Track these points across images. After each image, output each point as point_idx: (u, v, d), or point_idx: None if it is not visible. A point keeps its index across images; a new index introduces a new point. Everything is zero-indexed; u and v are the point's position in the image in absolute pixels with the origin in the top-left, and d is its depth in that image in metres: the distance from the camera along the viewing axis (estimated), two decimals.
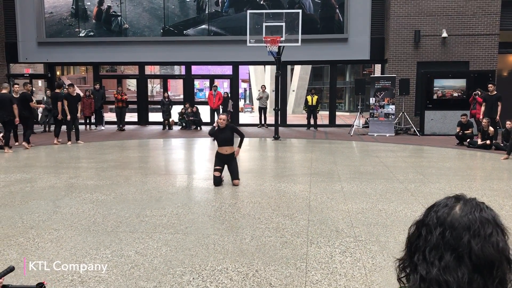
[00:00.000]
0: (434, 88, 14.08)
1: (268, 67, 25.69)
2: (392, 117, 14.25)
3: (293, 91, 26.75)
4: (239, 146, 6.69)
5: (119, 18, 17.12)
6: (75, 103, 11.88)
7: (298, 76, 27.18)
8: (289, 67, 20.71)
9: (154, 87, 34.00)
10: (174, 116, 16.85)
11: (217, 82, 17.91)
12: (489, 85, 11.58)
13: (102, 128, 16.36)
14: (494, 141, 10.74)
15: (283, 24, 12.46)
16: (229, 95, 17.21)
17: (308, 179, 6.93)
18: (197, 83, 26.85)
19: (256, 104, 19.30)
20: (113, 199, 5.66)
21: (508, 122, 10.35)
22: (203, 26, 16.85)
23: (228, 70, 18.94)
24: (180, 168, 8.63)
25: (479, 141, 10.90)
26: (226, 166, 6.58)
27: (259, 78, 27.53)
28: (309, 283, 3.19)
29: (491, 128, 10.71)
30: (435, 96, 14.09)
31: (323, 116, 18.82)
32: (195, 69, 20.25)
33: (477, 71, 14.16)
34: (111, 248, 3.86)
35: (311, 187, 6.31)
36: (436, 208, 0.98)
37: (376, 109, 14.30)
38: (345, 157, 9.37)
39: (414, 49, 14.94)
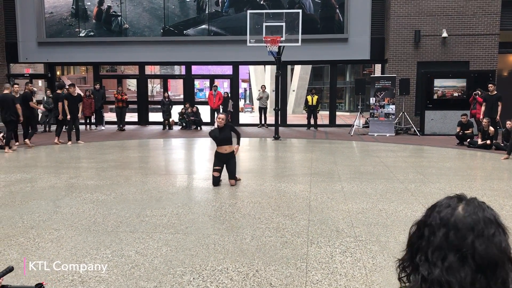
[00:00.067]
0: (434, 88, 14.08)
1: (268, 67, 25.69)
2: (392, 117, 14.25)
3: (293, 91, 26.74)
4: (238, 143, 6.70)
5: (119, 18, 17.12)
6: (76, 103, 11.90)
7: (298, 76, 27.17)
8: (289, 67, 20.71)
9: (154, 87, 34.00)
10: (174, 116, 16.85)
11: (217, 82, 17.91)
12: (489, 85, 11.58)
13: (102, 128, 16.36)
14: (494, 141, 10.74)
15: (283, 24, 12.46)
16: (229, 95, 17.21)
17: (308, 179, 6.93)
18: (197, 83, 26.85)
19: (256, 104, 19.31)
20: (113, 199, 5.66)
21: (508, 122, 10.35)
22: (203, 26, 16.85)
23: (228, 70, 18.94)
24: (180, 168, 8.63)
25: (479, 141, 10.90)
26: (224, 166, 6.58)
27: (259, 78, 27.53)
28: (310, 283, 3.19)
29: (491, 128, 10.71)
30: (435, 96, 14.08)
31: (323, 116, 18.82)
32: (195, 69, 20.25)
33: (477, 71, 14.15)
34: (112, 248, 3.86)
35: (312, 187, 6.31)
36: (438, 209, 0.98)
37: (376, 109, 14.30)
38: (345, 157, 9.37)
39: (414, 49, 14.94)
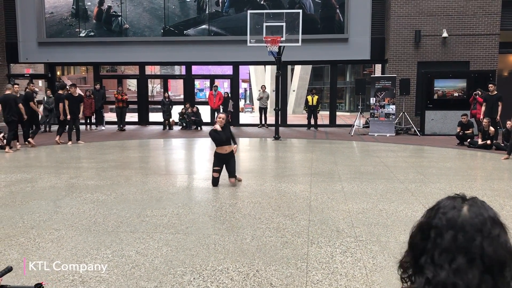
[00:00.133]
0: (435, 88, 14.08)
1: (268, 67, 25.69)
2: (393, 117, 14.24)
3: (294, 91, 26.74)
4: (235, 143, 6.68)
5: (119, 18, 17.12)
6: (77, 104, 11.91)
7: (299, 76, 27.16)
8: (289, 67, 20.71)
9: (154, 87, 34.01)
10: (175, 116, 16.85)
11: (217, 82, 17.92)
12: (490, 85, 11.58)
13: (103, 128, 16.36)
14: (494, 141, 10.74)
15: (284, 24, 12.47)
16: (229, 95, 17.21)
17: (308, 179, 6.93)
18: (198, 83, 26.87)
19: (257, 104, 19.32)
20: (113, 199, 5.66)
21: (508, 122, 10.35)
22: (204, 26, 16.85)
23: (228, 70, 18.95)
24: (180, 168, 8.63)
25: (480, 141, 10.90)
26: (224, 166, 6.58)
27: (259, 78, 27.53)
28: (310, 283, 3.19)
29: (491, 128, 10.71)
30: (435, 96, 14.08)
31: (323, 116, 18.82)
32: (196, 69, 20.26)
33: (478, 71, 14.15)
34: (112, 248, 3.86)
35: (312, 187, 6.31)
36: (443, 210, 0.97)
37: (377, 109, 14.30)
38: (345, 157, 9.37)
39: (414, 49, 14.94)
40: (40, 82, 19.78)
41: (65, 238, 4.16)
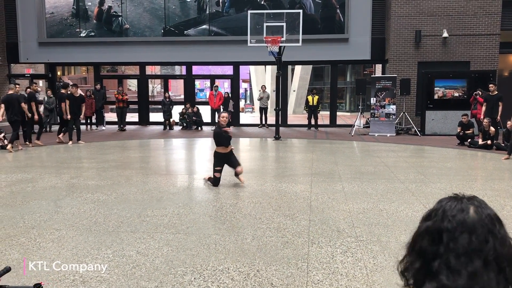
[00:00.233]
0: (435, 88, 14.07)
1: (268, 67, 25.68)
2: (393, 117, 14.24)
3: (294, 91, 26.73)
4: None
5: (120, 18, 17.13)
6: (78, 104, 11.93)
7: (299, 76, 27.16)
8: (289, 67, 20.71)
9: (154, 87, 34.02)
10: (175, 116, 16.86)
11: (217, 82, 17.91)
12: (490, 85, 11.58)
13: (103, 128, 16.37)
14: (495, 141, 10.73)
15: (284, 24, 12.47)
16: (230, 95, 17.21)
17: (309, 179, 6.93)
18: (198, 83, 26.86)
19: (257, 104, 19.32)
20: (114, 199, 5.67)
21: (509, 122, 10.34)
22: (204, 26, 16.86)
23: (228, 70, 18.95)
24: (181, 168, 8.64)
25: (480, 141, 10.90)
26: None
27: (260, 78, 27.52)
28: (311, 283, 3.19)
29: (492, 128, 10.70)
30: (436, 96, 14.08)
31: (324, 116, 18.82)
32: (196, 69, 20.26)
33: (478, 71, 14.15)
34: (113, 248, 3.87)
35: (312, 187, 6.31)
36: (451, 212, 0.95)
37: (377, 109, 14.30)
38: (346, 157, 9.37)
39: (415, 49, 14.94)
40: (41, 82, 19.78)
41: (65, 238, 4.16)
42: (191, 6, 16.92)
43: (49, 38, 17.36)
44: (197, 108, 16.61)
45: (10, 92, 10.53)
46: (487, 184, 6.69)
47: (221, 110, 16.07)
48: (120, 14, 17.09)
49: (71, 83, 12.61)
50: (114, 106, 17.64)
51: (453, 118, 13.36)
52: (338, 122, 17.55)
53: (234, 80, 18.03)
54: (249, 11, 13.27)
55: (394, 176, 7.19)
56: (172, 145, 12.17)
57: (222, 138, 6.40)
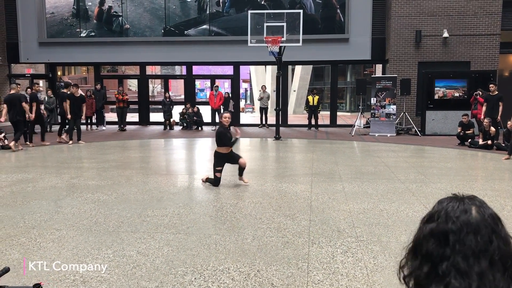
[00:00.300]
0: (435, 88, 14.07)
1: (268, 67, 25.67)
2: (393, 117, 14.24)
3: (294, 91, 26.73)
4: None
5: (120, 18, 17.13)
6: (78, 104, 11.93)
7: (299, 76, 27.15)
8: (290, 67, 20.71)
9: (155, 87, 34.02)
10: (175, 116, 16.86)
11: (218, 82, 17.92)
12: (491, 85, 11.58)
13: (103, 128, 16.38)
14: (495, 141, 10.73)
15: (284, 24, 12.47)
16: (230, 95, 17.21)
17: (309, 179, 6.93)
18: (198, 83, 26.87)
19: (257, 104, 19.32)
20: (114, 199, 5.67)
21: (509, 122, 10.33)
22: (204, 26, 16.86)
23: (229, 70, 18.95)
24: (181, 168, 8.64)
25: (481, 141, 10.89)
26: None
27: (260, 78, 27.52)
28: (311, 283, 3.19)
29: (492, 128, 10.70)
30: (436, 96, 14.08)
31: (324, 116, 18.81)
32: (196, 69, 20.26)
33: (478, 71, 14.15)
34: (113, 248, 3.87)
35: (313, 187, 6.31)
36: (454, 214, 0.95)
37: (377, 109, 14.30)
38: (346, 157, 9.37)
39: (415, 49, 14.93)
40: (41, 82, 19.78)
41: (66, 238, 4.16)
42: (192, 6, 16.92)
43: (49, 38, 17.37)
44: (198, 108, 16.62)
45: (12, 91, 10.59)
46: (488, 184, 6.69)
47: (222, 110, 16.08)
48: (121, 14, 17.10)
49: (72, 83, 12.64)
50: (114, 106, 17.65)
51: (454, 118, 13.36)
52: (339, 122, 17.55)
53: (235, 80, 18.03)
54: (250, 11, 13.27)
55: (395, 176, 7.19)
56: (172, 145, 12.17)
57: (225, 139, 6.40)
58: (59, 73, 21.96)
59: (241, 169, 6.48)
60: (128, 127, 16.36)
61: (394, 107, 14.21)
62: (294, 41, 12.50)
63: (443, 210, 0.97)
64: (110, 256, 3.68)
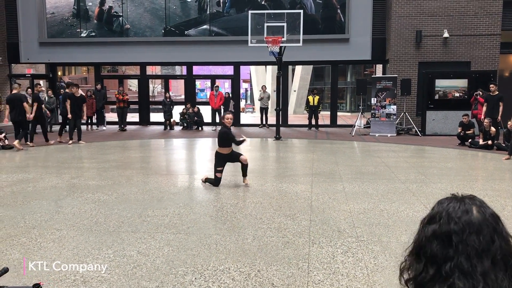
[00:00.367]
0: (436, 88, 14.07)
1: (269, 67, 25.66)
2: (394, 117, 14.24)
3: (294, 91, 26.72)
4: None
5: (120, 18, 17.14)
6: (79, 104, 11.94)
7: (299, 77, 27.14)
8: (290, 67, 20.70)
9: (155, 87, 34.03)
10: (176, 116, 16.86)
11: (218, 82, 17.92)
12: (491, 85, 11.58)
13: (104, 128, 16.38)
14: (495, 142, 10.73)
15: (285, 24, 12.47)
16: (230, 95, 17.21)
17: (309, 179, 6.93)
18: (198, 83, 26.87)
19: (258, 104, 19.33)
20: (115, 199, 5.67)
21: (509, 122, 10.33)
22: (205, 27, 16.86)
23: (229, 70, 18.96)
24: (181, 168, 8.64)
25: (481, 142, 10.89)
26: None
27: (260, 78, 27.51)
28: (311, 283, 3.19)
29: (492, 129, 10.70)
30: (436, 96, 14.08)
31: (324, 117, 18.81)
32: (197, 70, 20.27)
33: (479, 71, 14.14)
34: (113, 248, 3.87)
35: (313, 187, 6.31)
36: (455, 214, 0.94)
37: (378, 109, 14.30)
38: (346, 158, 9.37)
39: (415, 49, 14.93)
40: (41, 82, 19.79)
41: (66, 238, 4.16)
42: (192, 6, 16.92)
43: (49, 38, 17.37)
44: (198, 108, 16.62)
45: (14, 91, 10.66)
46: (488, 185, 6.69)
47: (222, 110, 16.09)
48: (121, 14, 17.10)
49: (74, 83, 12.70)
50: (114, 106, 17.65)
51: (454, 118, 13.36)
52: (339, 122, 17.55)
53: (235, 80, 18.04)
54: (250, 11, 13.28)
55: (395, 176, 7.19)
56: (172, 145, 12.18)
57: (229, 139, 6.41)
58: (59, 73, 21.97)
59: (244, 168, 6.46)
60: (128, 127, 16.36)
61: (395, 107, 14.21)
62: (295, 41, 12.51)
63: (444, 211, 0.97)
64: (111, 256, 3.68)
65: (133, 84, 27.49)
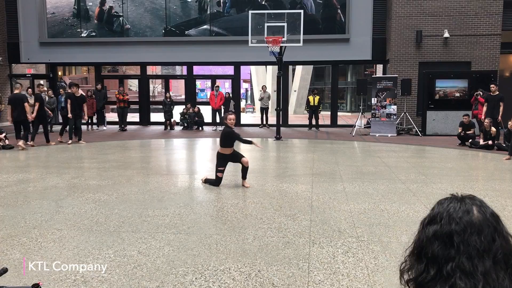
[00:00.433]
0: (436, 89, 14.07)
1: (269, 67, 25.69)
2: (394, 117, 14.24)
3: (295, 91, 26.74)
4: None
5: (120, 18, 17.14)
6: (79, 104, 11.95)
7: (300, 77, 27.15)
8: (290, 67, 20.71)
9: (155, 88, 34.04)
10: (176, 116, 16.86)
11: (218, 82, 17.93)
12: (491, 86, 11.58)
13: (104, 128, 16.38)
14: (496, 142, 10.73)
15: (285, 24, 12.47)
16: (231, 95, 17.21)
17: (310, 179, 6.93)
18: (199, 84, 26.87)
19: (258, 104, 19.33)
20: (115, 199, 5.67)
21: (510, 123, 10.32)
22: (205, 27, 16.86)
23: (229, 70, 18.96)
24: (182, 168, 8.64)
25: (481, 142, 10.89)
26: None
27: (261, 79, 27.53)
28: (312, 283, 3.19)
29: (493, 129, 10.70)
30: (437, 97, 14.07)
31: (324, 117, 18.81)
32: (197, 70, 20.26)
33: (479, 72, 14.14)
34: (114, 248, 3.87)
35: (313, 187, 6.31)
36: (456, 214, 0.94)
37: (378, 109, 14.29)
38: (347, 158, 9.36)
39: (416, 49, 14.93)
40: (42, 82, 19.81)
41: (67, 238, 4.16)
42: (192, 7, 16.92)
43: (50, 38, 17.38)
44: (198, 108, 16.62)
45: (16, 91, 10.69)
46: (488, 185, 6.69)
47: (222, 110, 16.10)
48: (121, 14, 17.11)
49: (69, 83, 12.76)
50: (115, 106, 17.66)
51: (454, 118, 13.36)
52: (339, 122, 17.55)
53: (235, 80, 18.04)
54: (250, 11, 13.29)
55: (395, 176, 7.19)
56: (173, 145, 12.18)
57: (233, 138, 6.42)
58: (59, 73, 21.98)
59: (244, 171, 6.46)
60: (128, 127, 16.37)
61: (395, 107, 14.21)
62: (295, 41, 12.51)
63: (445, 212, 0.97)
64: (111, 256, 3.68)
65: (133, 84, 27.49)
